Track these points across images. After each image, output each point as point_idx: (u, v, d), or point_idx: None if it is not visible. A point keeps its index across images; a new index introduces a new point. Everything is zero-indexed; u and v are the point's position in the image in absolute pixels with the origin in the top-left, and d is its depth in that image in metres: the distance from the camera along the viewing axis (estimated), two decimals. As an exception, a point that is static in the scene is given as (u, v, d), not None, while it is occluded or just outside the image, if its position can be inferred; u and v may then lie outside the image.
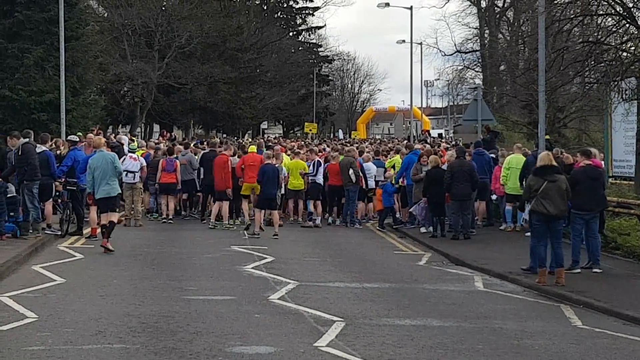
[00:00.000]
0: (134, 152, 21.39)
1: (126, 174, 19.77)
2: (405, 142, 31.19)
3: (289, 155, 23.81)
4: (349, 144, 31.38)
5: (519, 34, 47.64)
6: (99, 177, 15.96)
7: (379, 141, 48.86)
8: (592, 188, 14.40)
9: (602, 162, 19.09)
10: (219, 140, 26.29)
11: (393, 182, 21.73)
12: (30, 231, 16.82)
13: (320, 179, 22.11)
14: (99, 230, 17.43)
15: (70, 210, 17.90)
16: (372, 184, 22.71)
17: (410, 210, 20.63)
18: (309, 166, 22.22)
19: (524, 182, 18.75)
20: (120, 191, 17.03)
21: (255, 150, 22.29)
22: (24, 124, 28.60)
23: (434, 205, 19.40)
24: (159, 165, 21.53)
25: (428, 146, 28.03)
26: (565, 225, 14.98)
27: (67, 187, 17.83)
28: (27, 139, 17.18)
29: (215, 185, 20.37)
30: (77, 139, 20.05)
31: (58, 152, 20.13)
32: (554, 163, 13.69)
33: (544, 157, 13.65)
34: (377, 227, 21.91)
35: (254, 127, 72.06)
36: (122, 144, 23.84)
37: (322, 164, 22.43)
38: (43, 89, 31.38)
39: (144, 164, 21.07)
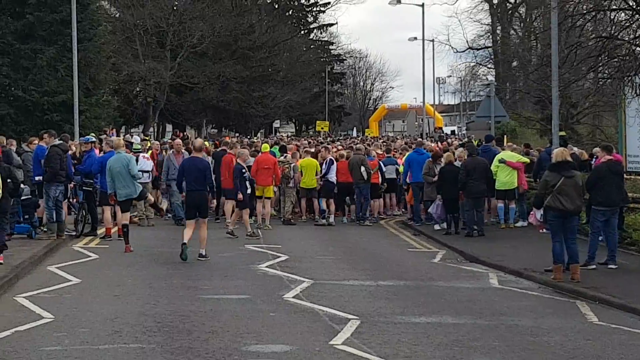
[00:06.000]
0: (142, 152, 21.45)
1: (142, 174, 19.75)
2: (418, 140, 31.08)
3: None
4: (361, 142, 31.33)
5: (531, 29, 47.50)
6: (117, 178, 16.02)
7: (391, 139, 48.70)
8: (615, 183, 14.35)
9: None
10: (235, 140, 26.18)
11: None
12: (44, 230, 16.92)
13: (333, 177, 22.09)
14: (113, 230, 17.50)
15: (86, 210, 17.93)
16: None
17: (429, 210, 20.52)
18: (321, 165, 22.23)
19: (538, 179, 18.74)
20: (142, 189, 16.92)
21: (269, 150, 22.17)
22: (37, 125, 28.75)
23: (448, 202, 19.38)
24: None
25: (432, 145, 27.83)
26: (585, 222, 14.91)
27: (83, 188, 17.86)
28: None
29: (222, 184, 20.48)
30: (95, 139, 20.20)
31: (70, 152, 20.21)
32: (569, 159, 13.65)
33: (560, 153, 13.58)
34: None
35: (266, 126, 72.08)
36: (132, 144, 23.84)
37: (335, 162, 22.40)
38: (56, 90, 31.48)
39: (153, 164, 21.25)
